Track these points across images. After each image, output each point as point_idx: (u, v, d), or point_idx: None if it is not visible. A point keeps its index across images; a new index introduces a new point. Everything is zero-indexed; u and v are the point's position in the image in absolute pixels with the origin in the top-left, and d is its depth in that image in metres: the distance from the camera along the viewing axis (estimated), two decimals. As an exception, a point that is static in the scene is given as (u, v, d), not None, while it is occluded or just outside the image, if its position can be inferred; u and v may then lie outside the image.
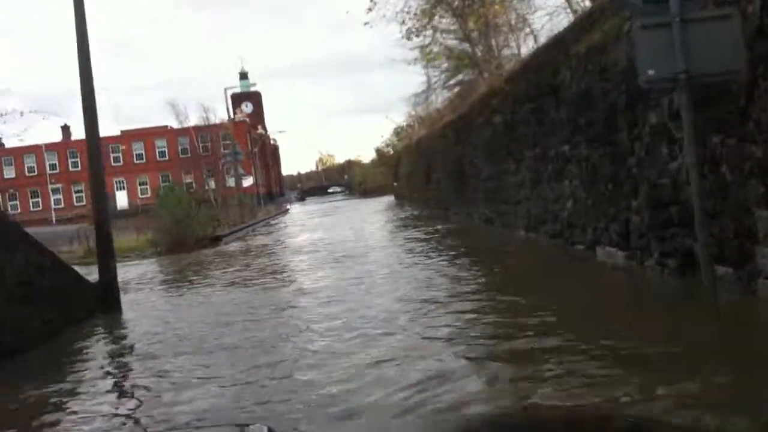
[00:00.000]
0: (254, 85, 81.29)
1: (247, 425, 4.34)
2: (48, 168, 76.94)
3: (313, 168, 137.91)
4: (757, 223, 6.35)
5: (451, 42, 22.01)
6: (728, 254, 6.85)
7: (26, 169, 76.85)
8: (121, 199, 74.20)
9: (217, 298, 11.53)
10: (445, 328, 7.21)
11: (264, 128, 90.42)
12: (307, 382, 5.73)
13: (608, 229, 10.17)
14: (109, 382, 6.90)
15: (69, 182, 76.07)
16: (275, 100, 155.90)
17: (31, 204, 76.33)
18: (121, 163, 76.26)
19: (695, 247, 6.87)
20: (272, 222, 40.97)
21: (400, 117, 52.41)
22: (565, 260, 11.38)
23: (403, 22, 19.94)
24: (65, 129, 79.83)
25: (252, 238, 27.32)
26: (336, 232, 23.87)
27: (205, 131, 69.60)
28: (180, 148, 74.96)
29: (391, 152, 58.01)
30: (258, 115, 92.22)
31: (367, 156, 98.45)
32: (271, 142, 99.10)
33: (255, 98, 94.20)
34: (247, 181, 71.12)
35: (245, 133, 76.87)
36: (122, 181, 77.66)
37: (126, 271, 18.44)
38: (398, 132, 54.25)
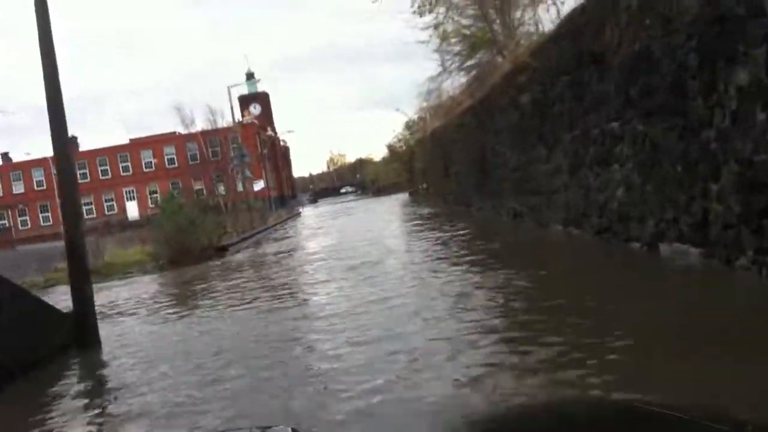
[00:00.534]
0: (259, 81, 79.64)
1: (270, 427, 3.67)
2: (56, 181, 75.68)
3: (325, 168, 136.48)
4: None
5: (465, 21, 20.14)
6: None
7: (35, 183, 75.76)
8: (132, 210, 72.93)
9: (216, 326, 9.75)
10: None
11: (273, 129, 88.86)
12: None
13: (677, 221, 8.30)
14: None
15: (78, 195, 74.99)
16: (282, 97, 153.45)
17: (41, 219, 75.26)
18: (131, 172, 75.07)
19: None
20: (284, 227, 39.25)
21: (411, 110, 50.36)
22: (620, 260, 9.52)
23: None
24: (72, 140, 78.93)
25: (261, 247, 25.58)
26: (349, 236, 22.04)
27: (212, 135, 68.02)
28: (189, 154, 73.45)
29: (404, 147, 56.08)
30: (266, 116, 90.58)
31: (379, 153, 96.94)
32: (281, 143, 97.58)
33: (263, 99, 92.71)
34: (258, 186, 69.66)
35: (254, 135, 75.36)
36: (132, 191, 76.45)
37: (121, 291, 16.81)
38: (410, 125, 52.30)
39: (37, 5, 10.03)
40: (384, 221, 27.51)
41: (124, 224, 56.94)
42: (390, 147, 62.83)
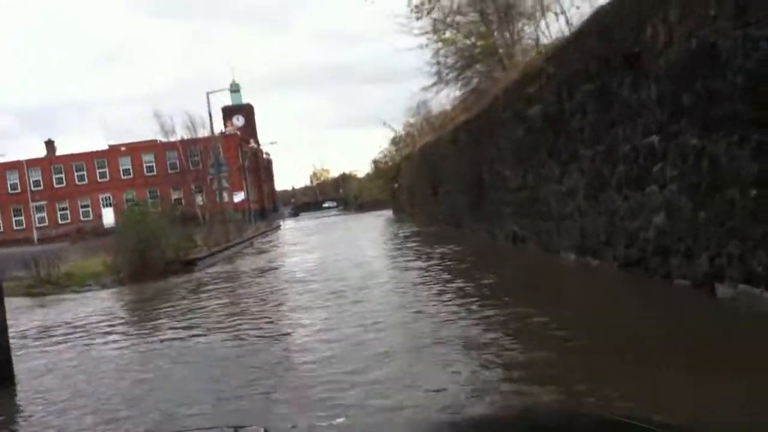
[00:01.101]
0: (240, 88, 77.96)
1: (243, 427, 3.66)
2: (31, 185, 73.39)
3: (308, 182, 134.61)
4: None
5: (465, 26, 18.51)
6: None
7: (9, 186, 73.24)
8: (108, 217, 70.49)
9: (158, 365, 7.91)
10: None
11: (257, 142, 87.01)
12: None
13: (743, 258, 6.62)
14: None
15: (53, 200, 72.73)
16: (266, 112, 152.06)
17: (14, 222, 72.83)
18: (108, 178, 72.91)
19: None
20: (261, 241, 37.31)
21: (398, 126, 48.76)
22: (661, 301, 7.82)
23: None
24: (49, 144, 76.64)
25: (234, 262, 23.66)
26: (330, 254, 20.19)
27: (192, 145, 66.03)
28: (168, 162, 71.43)
29: (389, 163, 54.39)
30: (250, 128, 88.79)
31: (363, 170, 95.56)
32: (264, 156, 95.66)
33: (247, 111, 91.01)
34: (238, 197, 67.73)
35: (236, 146, 73.47)
36: (109, 198, 74.14)
37: (70, 308, 14.87)
38: (397, 141, 50.66)
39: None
40: (367, 239, 25.72)
41: (99, 231, 54.75)
42: (376, 162, 61.13)
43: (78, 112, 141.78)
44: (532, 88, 13.28)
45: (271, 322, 9.91)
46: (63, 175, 72.99)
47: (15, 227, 71.50)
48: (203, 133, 63.92)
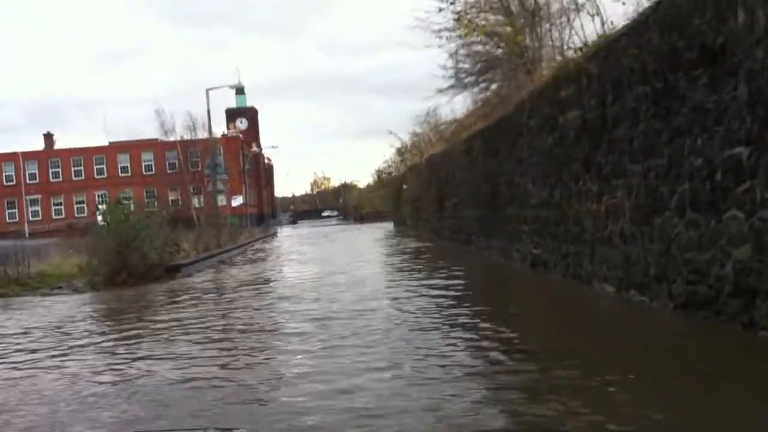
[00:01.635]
0: (242, 86, 76.51)
1: (230, 429, 3.56)
2: (27, 178, 71.75)
3: (308, 190, 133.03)
4: None
5: (489, 26, 16.86)
6: None
7: (4, 178, 71.62)
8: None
9: (113, 404, 6.08)
10: None
11: (259, 146, 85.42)
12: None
13: None
14: None
15: (48, 194, 71.09)
16: (269, 119, 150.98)
17: (7, 215, 71.22)
18: (105, 175, 71.30)
19: None
20: (254, 248, 35.53)
21: (405, 136, 47.05)
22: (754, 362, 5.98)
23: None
24: (48, 137, 75.17)
25: (221, 270, 21.87)
26: (324, 270, 18.34)
27: (192, 145, 64.38)
28: (167, 162, 69.84)
29: (393, 174, 52.70)
30: (253, 132, 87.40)
31: (364, 181, 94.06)
32: (266, 161, 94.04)
33: (250, 114, 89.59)
34: (237, 201, 65.98)
35: (237, 149, 71.85)
36: (104, 195, 72.54)
37: (31, 314, 13.10)
38: (402, 152, 48.97)
39: None
40: (366, 254, 23.89)
41: (90, 229, 53.00)
42: (379, 172, 59.51)
43: (82, 110, 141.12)
44: (567, 91, 11.57)
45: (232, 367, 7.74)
46: (60, 170, 71.45)
47: (8, 220, 69.96)
48: (204, 134, 62.35)
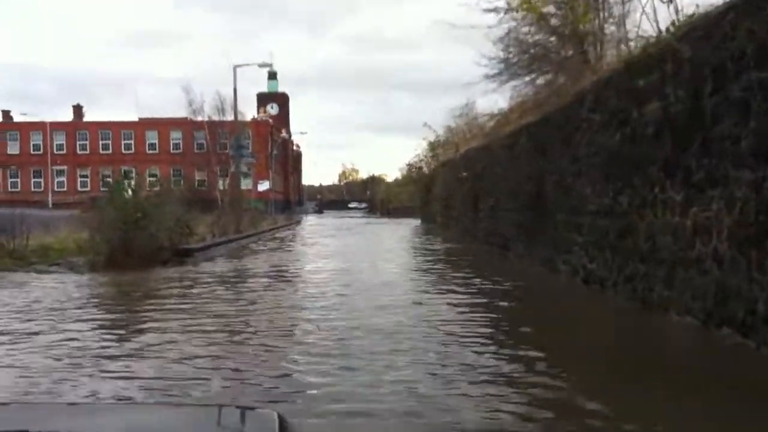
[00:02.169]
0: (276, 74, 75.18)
1: (253, 408, 3.00)
2: (54, 148, 71.22)
3: (336, 181, 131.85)
4: None
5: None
6: None
7: (31, 147, 71.17)
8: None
9: None
10: None
11: (288, 132, 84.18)
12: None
13: None
14: None
15: (75, 165, 70.47)
16: (297, 110, 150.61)
17: (33, 184, 70.86)
18: (133, 150, 70.40)
19: None
20: (275, 236, 33.95)
21: (439, 130, 45.21)
22: None
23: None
24: (77, 109, 74.66)
25: (239, 258, 20.30)
26: (346, 267, 16.64)
27: (220, 127, 63.22)
28: (196, 142, 68.67)
29: (424, 169, 50.86)
30: (283, 118, 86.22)
31: (391, 175, 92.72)
32: (294, 148, 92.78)
33: (281, 100, 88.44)
34: (263, 186, 64.66)
35: (267, 134, 70.56)
36: (131, 171, 71.72)
37: (20, 292, 11.62)
38: (435, 146, 47.09)
39: None
40: (391, 253, 22.16)
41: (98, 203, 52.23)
42: (410, 166, 57.74)
43: (112, 87, 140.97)
44: (645, 79, 9.71)
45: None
46: (87, 142, 70.77)
47: (33, 189, 69.63)
48: (232, 116, 60.99)
